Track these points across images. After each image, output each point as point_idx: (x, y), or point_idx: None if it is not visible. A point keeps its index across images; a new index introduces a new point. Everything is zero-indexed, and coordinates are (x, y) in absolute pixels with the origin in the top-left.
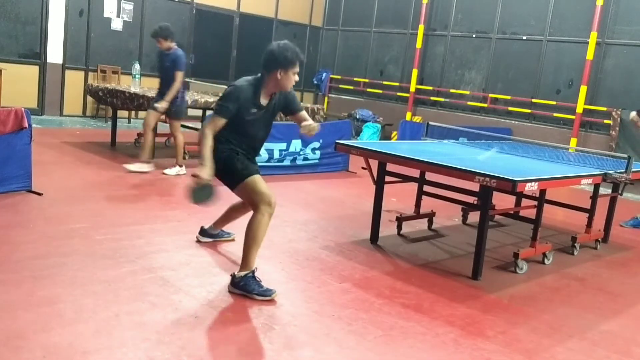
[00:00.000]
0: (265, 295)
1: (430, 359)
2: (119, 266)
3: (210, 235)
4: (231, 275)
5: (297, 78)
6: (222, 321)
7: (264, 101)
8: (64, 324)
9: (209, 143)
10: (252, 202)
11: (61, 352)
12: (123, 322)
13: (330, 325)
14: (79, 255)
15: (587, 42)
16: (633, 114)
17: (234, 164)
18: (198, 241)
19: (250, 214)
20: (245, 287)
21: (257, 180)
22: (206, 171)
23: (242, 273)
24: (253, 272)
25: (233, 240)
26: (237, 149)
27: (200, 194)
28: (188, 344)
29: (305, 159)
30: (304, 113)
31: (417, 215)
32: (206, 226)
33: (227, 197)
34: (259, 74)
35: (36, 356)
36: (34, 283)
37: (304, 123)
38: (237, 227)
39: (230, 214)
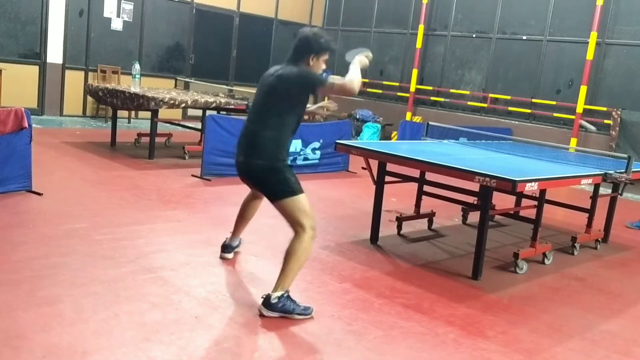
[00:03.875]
0: (305, 314)
1: (430, 359)
2: (119, 266)
3: (233, 248)
4: (264, 296)
5: (324, 66)
6: (222, 321)
7: None
8: (64, 324)
9: (345, 79)
10: (297, 220)
11: (61, 352)
12: (123, 322)
13: (330, 325)
14: (79, 255)
15: (587, 42)
16: None
17: (290, 174)
18: (222, 258)
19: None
20: (284, 309)
21: (306, 199)
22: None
23: (279, 294)
24: (288, 291)
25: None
26: (287, 159)
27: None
28: (188, 344)
29: (306, 159)
30: None
31: (417, 215)
32: (227, 241)
33: (229, 199)
34: (288, 64)
35: (36, 356)
36: (34, 283)
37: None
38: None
39: (243, 216)
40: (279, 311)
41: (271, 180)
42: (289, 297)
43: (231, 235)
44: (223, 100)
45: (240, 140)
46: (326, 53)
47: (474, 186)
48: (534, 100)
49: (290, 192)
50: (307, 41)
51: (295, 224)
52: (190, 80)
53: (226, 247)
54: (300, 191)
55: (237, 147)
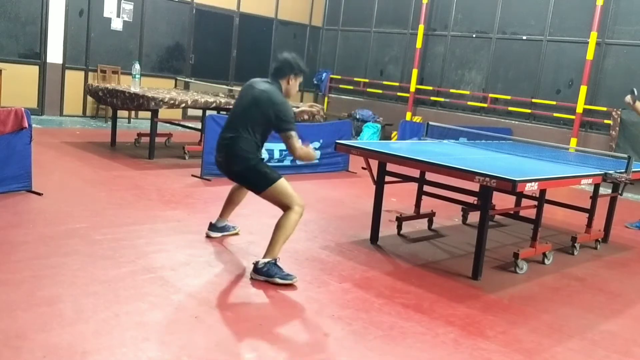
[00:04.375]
0: (286, 280)
1: (430, 359)
2: (119, 266)
3: (219, 229)
4: (253, 263)
5: (297, 87)
6: (222, 321)
7: None
8: (64, 324)
9: (304, 150)
10: (283, 204)
11: (61, 352)
12: (123, 322)
13: (330, 325)
14: (79, 255)
15: (587, 42)
16: (627, 97)
17: (263, 167)
18: (208, 236)
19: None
20: (267, 272)
21: (285, 182)
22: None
23: (266, 260)
24: (276, 260)
25: (237, 234)
26: (259, 154)
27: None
28: (188, 344)
29: None
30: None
31: (417, 215)
32: (214, 221)
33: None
34: (270, 81)
35: (36, 356)
36: (34, 283)
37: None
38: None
39: (232, 200)
40: (262, 274)
41: (250, 177)
42: (275, 264)
43: (218, 217)
44: (223, 100)
45: (219, 142)
46: (301, 75)
47: (474, 186)
48: (534, 100)
49: (269, 181)
50: (289, 63)
51: (283, 207)
52: (190, 80)
53: (212, 226)
54: (277, 178)
55: (217, 148)
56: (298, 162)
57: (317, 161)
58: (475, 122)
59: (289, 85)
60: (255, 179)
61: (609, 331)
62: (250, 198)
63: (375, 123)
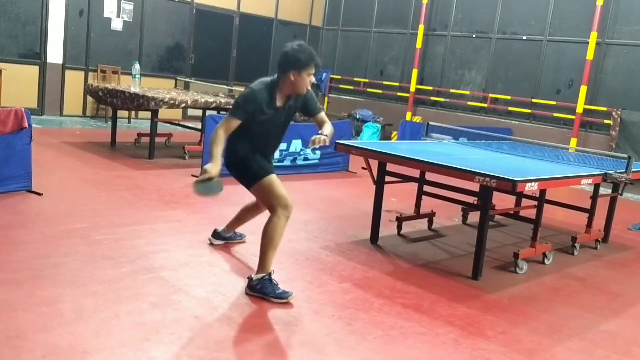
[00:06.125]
0: (282, 298)
1: (430, 359)
2: (119, 266)
3: (223, 238)
4: (247, 278)
5: (312, 79)
6: (222, 321)
7: (279, 103)
8: (64, 324)
9: (220, 142)
10: (268, 203)
11: (61, 352)
12: (123, 322)
13: (330, 325)
14: (79, 255)
15: (587, 42)
16: None
17: (251, 163)
18: (211, 244)
19: (265, 215)
20: (262, 290)
21: (274, 180)
22: (214, 167)
23: (259, 276)
24: (270, 274)
25: (244, 242)
26: (253, 149)
27: (205, 186)
28: (188, 344)
29: (306, 159)
30: (322, 115)
31: (417, 215)
32: (219, 229)
33: (229, 199)
34: (275, 75)
35: (36, 356)
36: (34, 283)
37: (313, 137)
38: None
39: (243, 216)
40: (257, 292)
41: (236, 171)
42: (269, 280)
43: (225, 227)
44: (223, 100)
45: None
46: (308, 68)
47: (474, 186)
48: (534, 100)
49: (255, 178)
50: (286, 57)
51: (267, 206)
52: (190, 80)
53: (217, 234)
54: (263, 175)
55: None
56: (298, 162)
57: (316, 161)
58: (475, 122)
59: (294, 81)
60: (242, 173)
61: (609, 331)
62: (249, 196)
63: (375, 123)
